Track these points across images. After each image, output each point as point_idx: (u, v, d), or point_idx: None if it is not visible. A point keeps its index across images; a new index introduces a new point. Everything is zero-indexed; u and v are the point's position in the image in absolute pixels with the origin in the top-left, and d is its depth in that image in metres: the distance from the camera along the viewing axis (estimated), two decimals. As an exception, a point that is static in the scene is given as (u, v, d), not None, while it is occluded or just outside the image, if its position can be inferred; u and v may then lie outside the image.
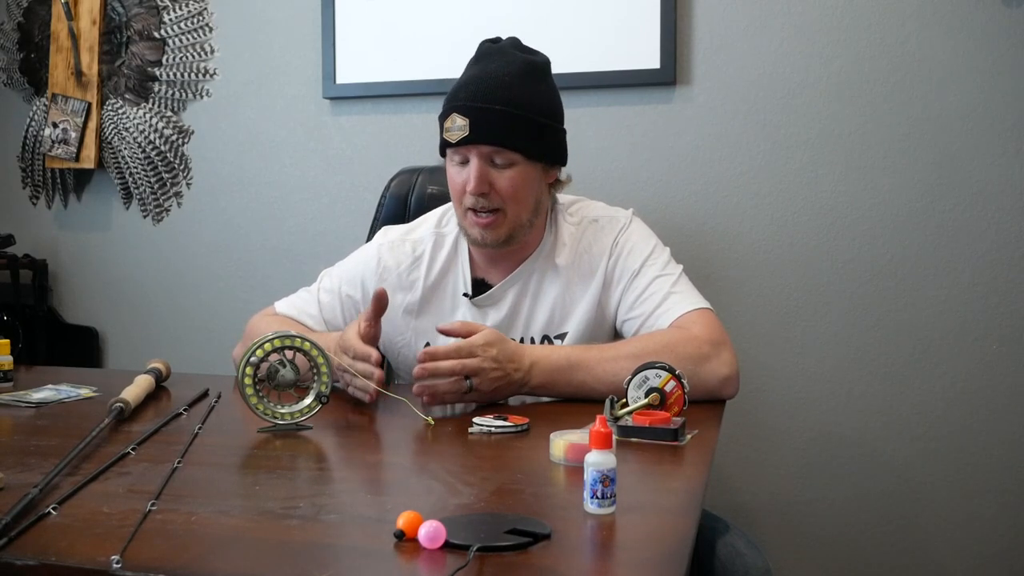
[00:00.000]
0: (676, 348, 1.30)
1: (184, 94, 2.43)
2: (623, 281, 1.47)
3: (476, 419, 1.17)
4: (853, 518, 2.02)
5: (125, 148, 2.47)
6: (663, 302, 1.42)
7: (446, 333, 1.31)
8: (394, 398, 1.29)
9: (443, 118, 1.43)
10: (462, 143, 1.39)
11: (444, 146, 1.45)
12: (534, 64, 1.45)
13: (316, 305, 1.56)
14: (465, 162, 1.42)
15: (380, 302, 1.31)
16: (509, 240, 1.44)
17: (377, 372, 1.26)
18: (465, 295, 1.51)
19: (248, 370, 1.15)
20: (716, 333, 1.36)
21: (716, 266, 2.05)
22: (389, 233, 1.59)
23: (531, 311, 1.50)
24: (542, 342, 1.49)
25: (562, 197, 1.56)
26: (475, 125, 1.38)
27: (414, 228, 1.59)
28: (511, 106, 1.39)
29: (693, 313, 1.40)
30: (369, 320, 1.31)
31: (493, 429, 1.15)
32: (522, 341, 1.49)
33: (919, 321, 1.96)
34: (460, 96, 1.41)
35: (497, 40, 1.49)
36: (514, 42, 1.48)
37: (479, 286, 1.51)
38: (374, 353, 1.28)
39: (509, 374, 1.28)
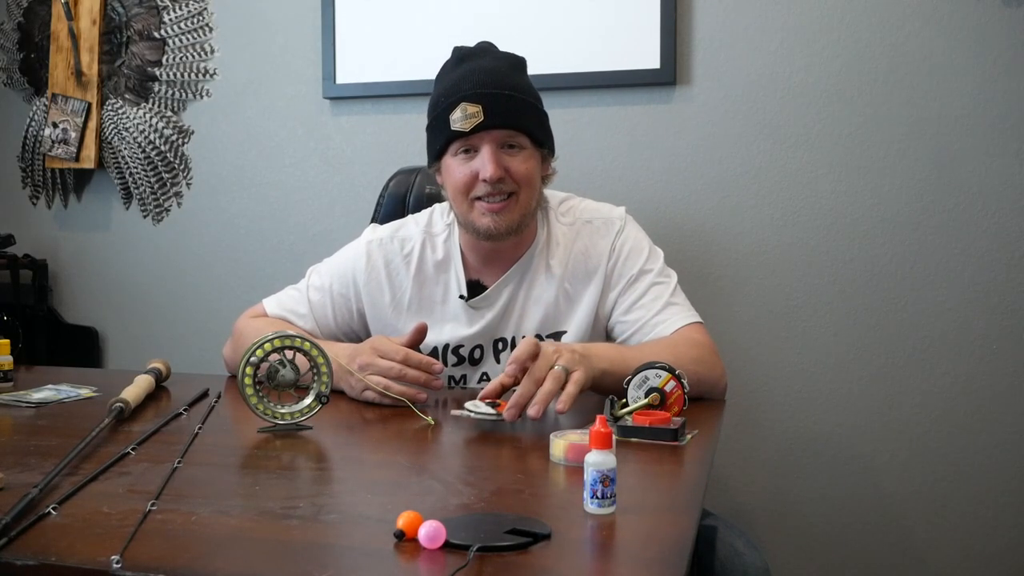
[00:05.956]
0: (696, 357, 1.34)
1: (184, 94, 2.43)
2: (620, 284, 1.48)
3: (467, 404, 1.17)
4: (853, 518, 2.02)
5: (125, 148, 2.47)
6: (663, 310, 1.44)
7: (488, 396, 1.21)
8: (394, 398, 1.29)
9: (446, 113, 1.40)
10: (477, 129, 1.38)
11: (450, 140, 1.41)
12: (518, 60, 1.49)
13: (306, 304, 1.55)
14: (472, 154, 1.41)
15: (420, 335, 1.36)
16: (519, 228, 1.44)
17: (437, 364, 1.31)
18: (461, 297, 1.50)
19: (248, 370, 1.15)
20: (713, 346, 1.42)
21: (716, 266, 2.05)
22: (377, 231, 1.58)
23: (524, 310, 1.50)
24: None
25: (550, 194, 1.56)
26: (489, 110, 1.37)
27: (400, 227, 1.58)
28: (519, 92, 1.42)
29: (693, 326, 1.43)
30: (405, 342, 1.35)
31: (472, 414, 1.15)
32: (514, 339, 1.49)
33: (919, 321, 1.96)
34: (465, 87, 1.39)
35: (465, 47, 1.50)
36: (490, 44, 1.50)
37: (474, 288, 1.51)
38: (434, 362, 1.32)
39: (574, 350, 1.20)
